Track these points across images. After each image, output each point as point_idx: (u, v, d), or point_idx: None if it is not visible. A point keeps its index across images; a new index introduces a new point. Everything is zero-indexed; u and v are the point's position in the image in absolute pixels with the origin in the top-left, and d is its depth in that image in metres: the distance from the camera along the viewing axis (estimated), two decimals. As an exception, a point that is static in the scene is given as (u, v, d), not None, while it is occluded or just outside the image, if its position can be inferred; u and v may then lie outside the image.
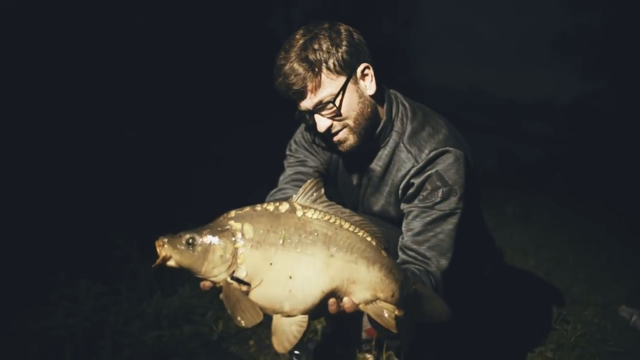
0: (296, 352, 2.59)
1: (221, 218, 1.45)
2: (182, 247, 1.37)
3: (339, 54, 1.75)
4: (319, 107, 1.78)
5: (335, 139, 1.85)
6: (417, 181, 1.83)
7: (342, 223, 1.46)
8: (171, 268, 1.40)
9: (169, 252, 1.38)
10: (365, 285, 1.46)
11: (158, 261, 1.38)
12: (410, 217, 1.83)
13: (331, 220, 1.45)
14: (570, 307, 3.27)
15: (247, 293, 1.38)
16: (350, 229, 1.46)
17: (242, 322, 1.34)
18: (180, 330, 2.74)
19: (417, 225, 1.81)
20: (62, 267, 3.00)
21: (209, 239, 1.39)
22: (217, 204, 1.65)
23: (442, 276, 1.79)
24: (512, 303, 3.15)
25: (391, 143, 1.93)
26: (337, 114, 1.79)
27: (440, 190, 1.80)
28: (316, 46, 1.73)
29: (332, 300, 1.43)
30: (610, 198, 6.66)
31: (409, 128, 1.91)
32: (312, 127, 1.90)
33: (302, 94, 1.77)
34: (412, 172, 1.85)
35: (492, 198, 6.15)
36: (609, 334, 2.97)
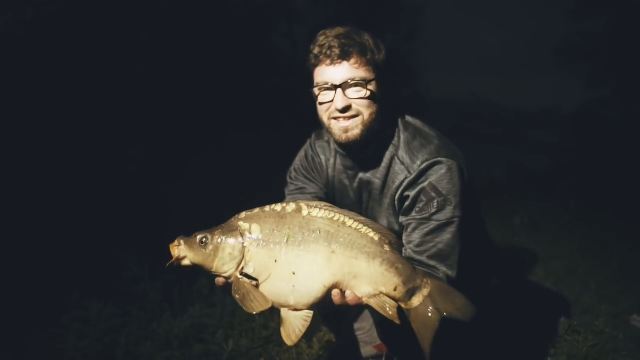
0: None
1: (232, 219, 1.59)
2: (196, 246, 1.53)
3: (381, 55, 1.86)
4: (350, 83, 1.80)
5: (344, 124, 1.84)
6: (411, 194, 1.86)
7: (346, 220, 1.55)
8: (185, 267, 1.55)
9: (185, 251, 1.53)
10: (367, 279, 1.53)
11: (172, 260, 1.53)
12: (409, 229, 1.86)
13: (335, 218, 1.55)
14: (580, 317, 3.24)
15: (256, 287, 1.51)
16: (353, 226, 1.55)
17: (250, 309, 1.47)
18: (191, 350, 2.76)
19: (416, 237, 1.83)
20: (73, 289, 3.03)
21: (219, 238, 1.53)
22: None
23: (451, 282, 1.78)
24: (522, 314, 3.13)
25: (387, 155, 1.96)
26: (361, 98, 1.81)
27: (436, 201, 1.81)
28: (366, 37, 1.84)
29: (336, 292, 1.52)
30: (620, 205, 6.60)
31: (402, 140, 1.95)
32: (322, 107, 1.88)
33: (341, 60, 1.80)
34: (405, 183, 1.88)
35: (500, 208, 6.13)
36: (621, 344, 2.94)
